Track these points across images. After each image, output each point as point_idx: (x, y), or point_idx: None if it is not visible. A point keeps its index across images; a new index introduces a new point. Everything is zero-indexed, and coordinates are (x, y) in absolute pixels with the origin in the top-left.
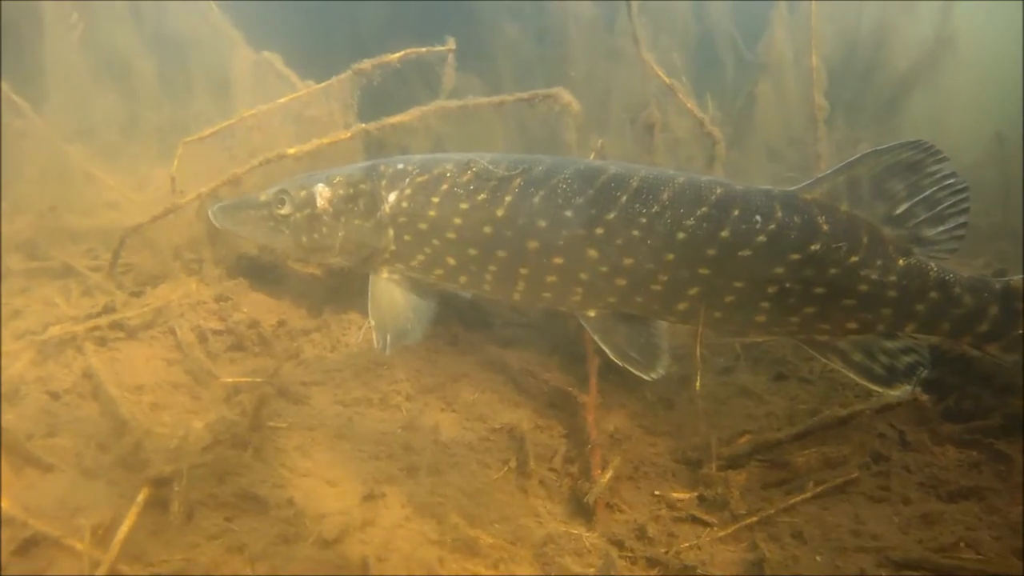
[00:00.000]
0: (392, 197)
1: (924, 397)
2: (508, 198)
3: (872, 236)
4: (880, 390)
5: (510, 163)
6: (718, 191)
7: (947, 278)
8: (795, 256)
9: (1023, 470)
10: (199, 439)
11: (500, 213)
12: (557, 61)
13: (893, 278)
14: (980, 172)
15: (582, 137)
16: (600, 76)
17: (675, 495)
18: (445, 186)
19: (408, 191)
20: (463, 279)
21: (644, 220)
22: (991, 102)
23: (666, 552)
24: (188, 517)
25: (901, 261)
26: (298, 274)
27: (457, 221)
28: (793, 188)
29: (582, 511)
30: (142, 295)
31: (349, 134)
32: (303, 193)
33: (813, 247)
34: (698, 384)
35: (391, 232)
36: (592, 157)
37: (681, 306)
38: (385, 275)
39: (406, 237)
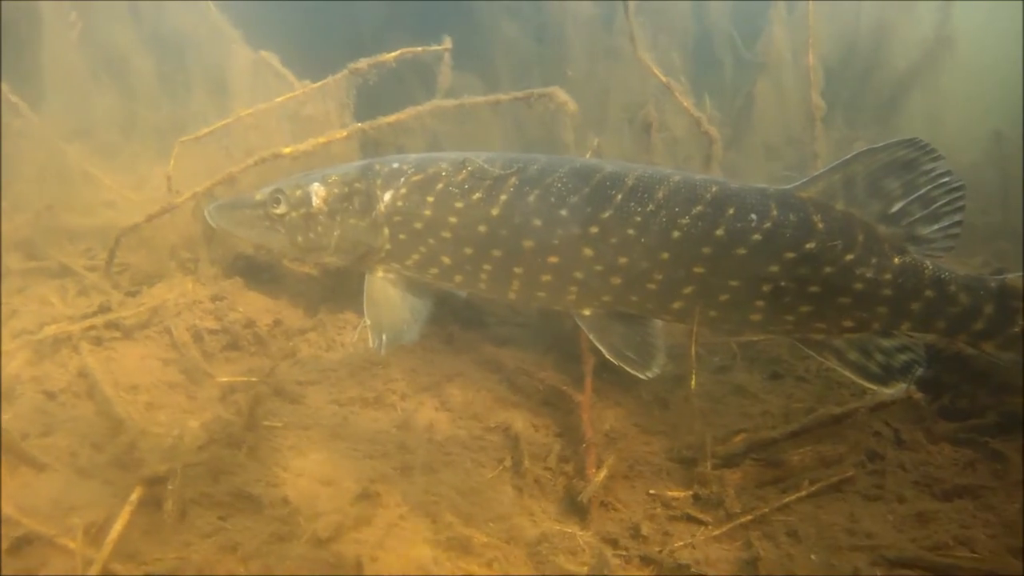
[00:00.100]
0: (387, 196)
1: (918, 395)
2: (503, 197)
3: (867, 234)
4: (876, 388)
5: (505, 162)
6: (713, 189)
7: (942, 276)
8: (790, 254)
9: (1022, 469)
10: (194, 438)
11: (495, 212)
12: (555, 60)
13: (888, 276)
14: (979, 172)
15: (580, 136)
16: (598, 75)
17: (670, 494)
18: (440, 185)
19: (403, 190)
20: (458, 278)
21: (639, 219)
22: (990, 102)
23: (660, 551)
24: (182, 516)
25: (896, 259)
26: (294, 273)
27: (452, 220)
28: (789, 187)
29: (576, 510)
30: (138, 294)
31: (345, 133)
32: (299, 192)
33: (808, 245)
34: (693, 383)
35: (386, 231)
36: (589, 156)
37: (676, 305)
38: (380, 274)
39: (401, 236)
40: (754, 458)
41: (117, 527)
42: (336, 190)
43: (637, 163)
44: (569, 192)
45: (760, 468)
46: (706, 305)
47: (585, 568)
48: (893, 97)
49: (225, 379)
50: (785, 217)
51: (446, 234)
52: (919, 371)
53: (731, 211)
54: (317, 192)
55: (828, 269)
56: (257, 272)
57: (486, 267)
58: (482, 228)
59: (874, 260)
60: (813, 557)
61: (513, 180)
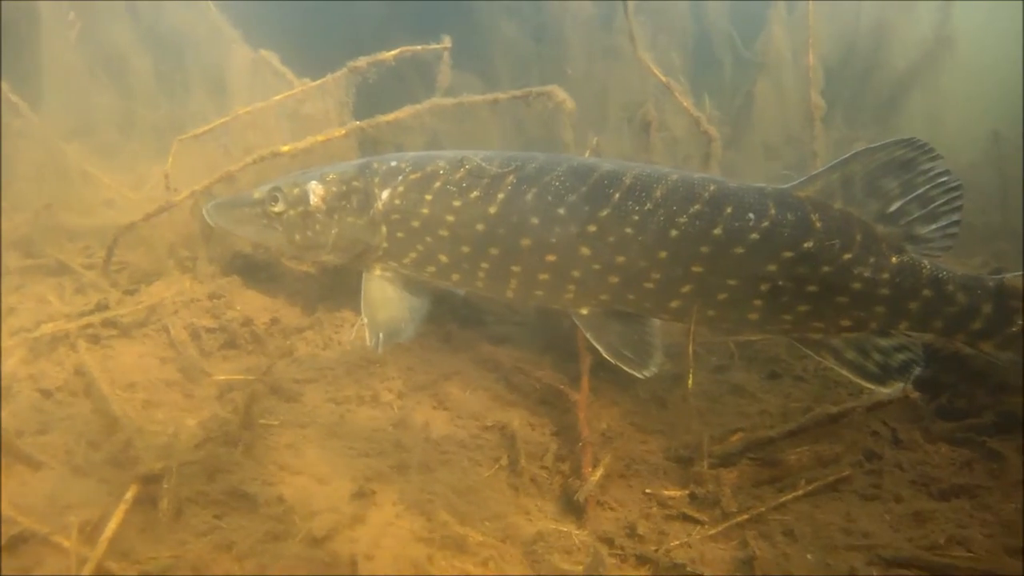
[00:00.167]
0: (385, 194)
1: (915, 394)
2: (501, 195)
3: (865, 234)
4: (874, 388)
5: (503, 160)
6: (711, 188)
7: (940, 276)
8: (788, 254)
9: (1022, 469)
10: (190, 437)
11: (493, 210)
12: (555, 59)
13: (886, 276)
14: (978, 172)
15: (579, 135)
16: (598, 75)
17: (666, 493)
18: (438, 183)
19: (401, 188)
20: (456, 277)
21: (637, 217)
22: (990, 102)
23: (656, 550)
24: (177, 514)
25: (894, 259)
26: (292, 272)
27: (450, 218)
28: (787, 186)
29: (573, 509)
30: (136, 293)
31: (344, 132)
32: (296, 190)
33: (806, 245)
34: (690, 382)
35: (384, 229)
36: (587, 155)
37: (674, 304)
38: (378, 273)
39: (399, 234)
40: (751, 457)
41: (112, 525)
42: (334, 188)
43: (635, 162)
44: (567, 191)
45: (757, 467)
46: (704, 304)
47: (580, 567)
48: (893, 97)
49: (222, 377)
50: (783, 216)
51: (444, 232)
52: (917, 370)
53: (729, 210)
54: (315, 190)
55: (826, 268)
56: (255, 270)
57: (484, 265)
58: (480, 226)
59: (872, 259)
60: (809, 556)
61: (511, 178)
